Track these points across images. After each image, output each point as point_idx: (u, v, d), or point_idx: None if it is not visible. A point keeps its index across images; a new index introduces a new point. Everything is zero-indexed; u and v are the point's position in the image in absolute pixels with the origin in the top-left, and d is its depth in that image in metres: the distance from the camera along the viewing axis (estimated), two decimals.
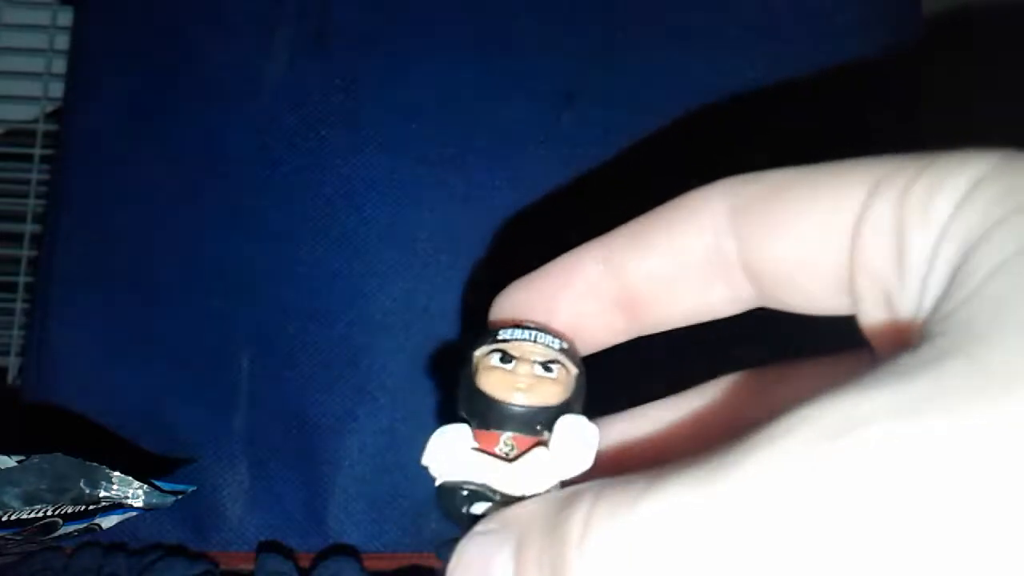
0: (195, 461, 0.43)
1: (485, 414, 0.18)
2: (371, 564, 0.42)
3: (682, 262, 0.18)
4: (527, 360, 0.18)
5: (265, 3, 0.47)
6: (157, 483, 0.39)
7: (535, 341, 0.18)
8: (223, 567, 0.42)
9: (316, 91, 0.46)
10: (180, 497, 0.40)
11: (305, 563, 0.42)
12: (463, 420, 0.18)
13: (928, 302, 0.14)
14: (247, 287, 0.44)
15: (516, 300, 0.20)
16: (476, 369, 0.18)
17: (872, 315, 0.16)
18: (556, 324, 0.20)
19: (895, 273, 0.15)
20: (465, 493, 0.18)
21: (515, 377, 0.18)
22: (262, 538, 0.43)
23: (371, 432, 0.43)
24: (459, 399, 0.19)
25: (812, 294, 0.17)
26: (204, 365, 0.43)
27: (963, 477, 0.10)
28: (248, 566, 0.42)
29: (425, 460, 0.18)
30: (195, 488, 0.41)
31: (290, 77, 0.46)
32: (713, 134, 0.46)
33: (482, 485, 0.18)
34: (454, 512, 0.18)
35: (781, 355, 0.21)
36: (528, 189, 0.45)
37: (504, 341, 0.18)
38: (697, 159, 0.46)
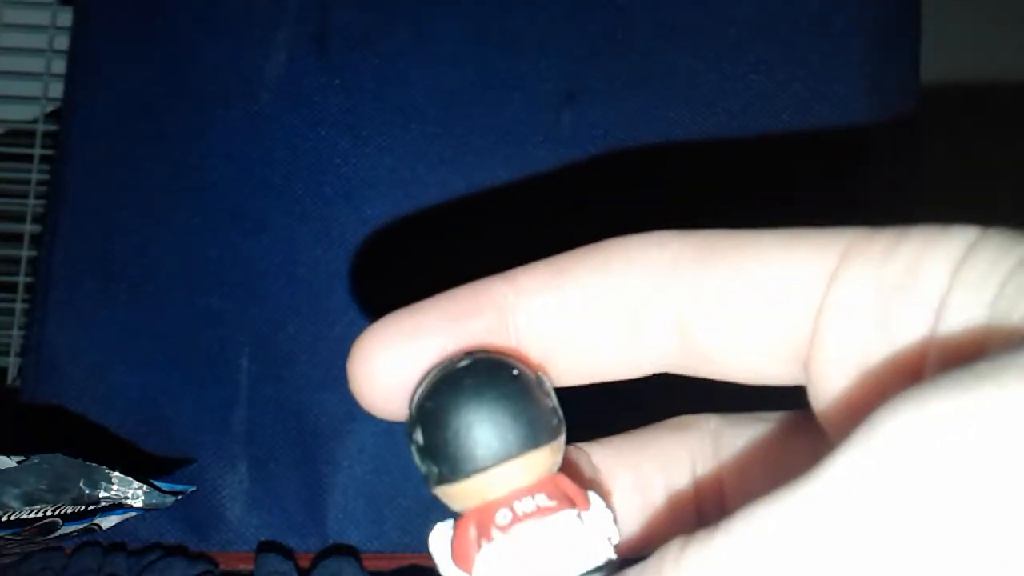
0: (194, 461, 0.43)
1: None
2: (371, 564, 0.42)
3: (603, 306, 0.16)
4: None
5: (265, 3, 0.47)
6: (157, 483, 0.39)
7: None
8: (223, 567, 0.42)
9: (316, 91, 0.46)
10: (180, 497, 0.40)
11: (305, 563, 0.42)
12: None
13: (934, 360, 0.14)
14: (247, 287, 0.44)
15: (401, 329, 0.17)
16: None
17: (830, 379, 0.15)
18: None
19: (878, 336, 0.15)
20: None
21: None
22: (262, 538, 0.43)
23: (371, 432, 0.43)
24: None
25: (755, 359, 0.16)
26: (204, 365, 0.44)
27: None
28: (248, 566, 0.42)
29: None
30: (195, 488, 0.41)
31: (290, 77, 0.46)
32: (713, 135, 0.46)
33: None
34: None
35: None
36: (528, 189, 0.45)
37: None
38: (697, 159, 0.46)
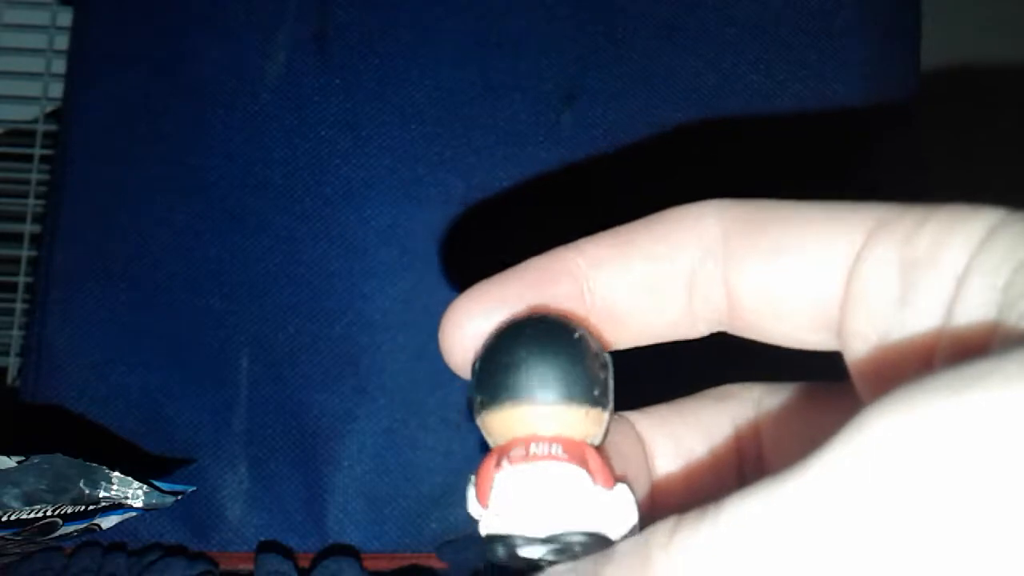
0: (194, 461, 0.43)
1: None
2: (371, 564, 0.42)
3: (667, 273, 0.17)
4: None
5: (265, 4, 0.47)
6: (157, 483, 0.39)
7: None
8: (223, 567, 0.42)
9: (316, 92, 0.46)
10: (180, 497, 0.40)
11: (305, 563, 0.42)
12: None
13: (945, 345, 0.14)
14: (247, 287, 0.44)
15: (487, 298, 0.18)
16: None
17: (858, 350, 0.16)
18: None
19: (897, 312, 0.15)
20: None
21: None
22: (262, 538, 0.43)
23: (371, 432, 0.43)
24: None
25: (794, 326, 0.17)
26: (204, 365, 0.44)
27: None
28: (248, 566, 0.42)
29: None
30: (195, 488, 0.41)
31: (290, 77, 0.46)
32: (713, 134, 0.46)
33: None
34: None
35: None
36: (528, 189, 0.45)
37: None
38: (697, 159, 0.46)
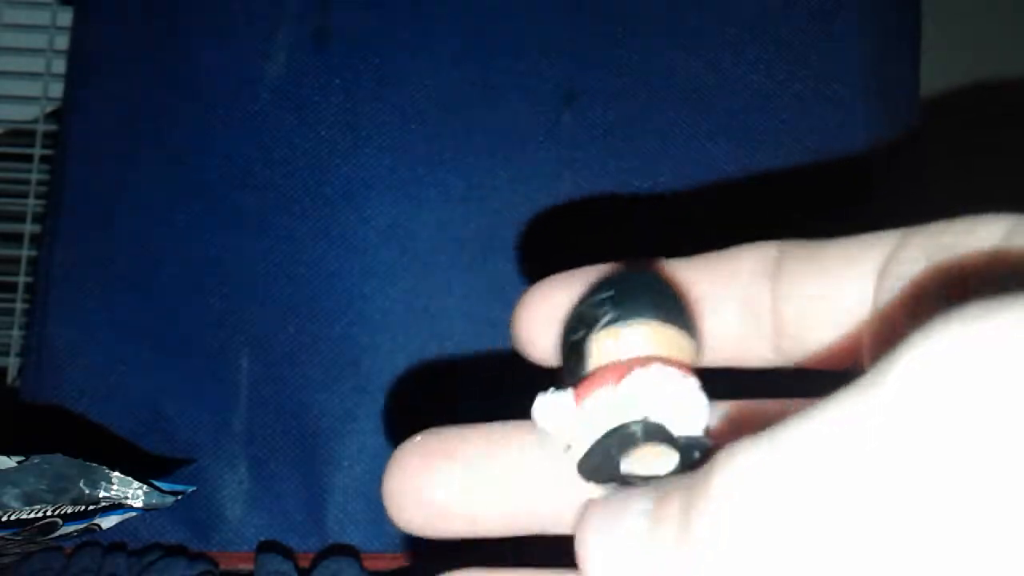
0: (194, 462, 0.43)
1: None
2: (371, 564, 0.42)
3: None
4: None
5: (265, 4, 0.47)
6: (157, 483, 0.39)
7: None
8: (223, 567, 0.42)
9: (316, 92, 0.46)
10: (180, 497, 0.40)
11: (305, 563, 0.42)
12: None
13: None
14: (247, 287, 0.44)
15: (570, 280, 0.19)
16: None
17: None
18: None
19: (905, 312, 0.16)
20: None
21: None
22: (262, 538, 0.43)
23: (371, 432, 0.43)
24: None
25: (829, 353, 0.17)
26: (204, 365, 0.44)
27: None
28: (248, 566, 0.42)
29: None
30: (195, 488, 0.41)
31: (290, 77, 0.46)
32: (713, 134, 0.46)
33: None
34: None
35: None
36: (528, 189, 0.45)
37: None
38: (697, 159, 0.46)
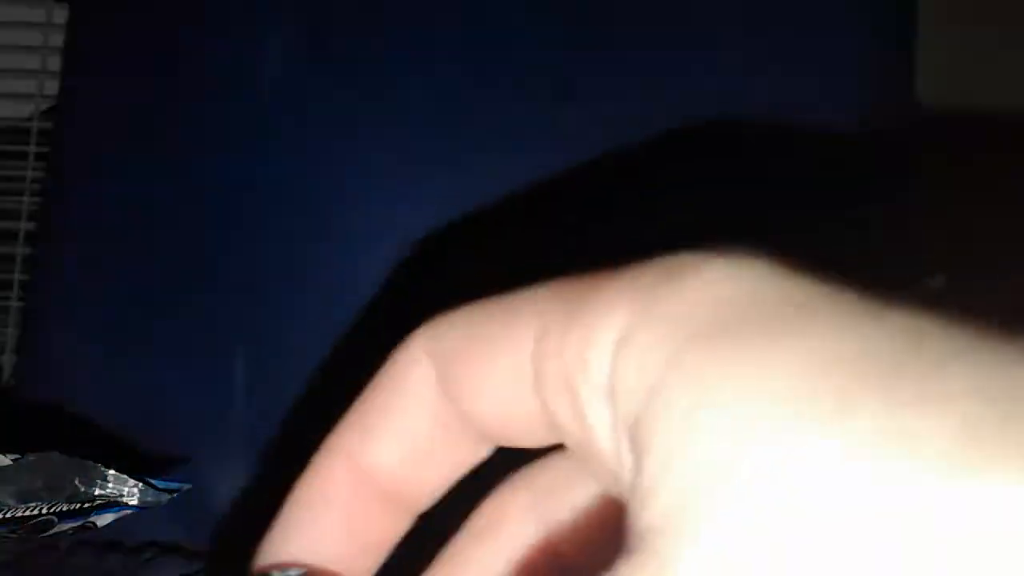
0: (190, 460, 0.43)
1: None
2: None
3: (419, 437, 0.16)
4: None
5: (263, 3, 0.47)
6: (152, 481, 0.39)
7: None
8: (218, 565, 0.42)
9: (314, 91, 0.46)
10: (175, 495, 0.40)
11: None
12: None
13: (626, 474, 0.12)
14: (247, 287, 0.44)
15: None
16: None
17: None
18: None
19: (582, 431, 0.13)
20: None
21: None
22: (257, 536, 0.43)
23: None
24: None
25: (536, 437, 0.15)
26: (203, 365, 0.43)
27: None
28: (244, 564, 0.42)
29: None
30: (190, 486, 0.41)
31: (288, 77, 0.46)
32: (712, 134, 0.46)
33: None
34: None
35: None
36: (526, 187, 0.45)
37: None
38: (695, 158, 0.46)
